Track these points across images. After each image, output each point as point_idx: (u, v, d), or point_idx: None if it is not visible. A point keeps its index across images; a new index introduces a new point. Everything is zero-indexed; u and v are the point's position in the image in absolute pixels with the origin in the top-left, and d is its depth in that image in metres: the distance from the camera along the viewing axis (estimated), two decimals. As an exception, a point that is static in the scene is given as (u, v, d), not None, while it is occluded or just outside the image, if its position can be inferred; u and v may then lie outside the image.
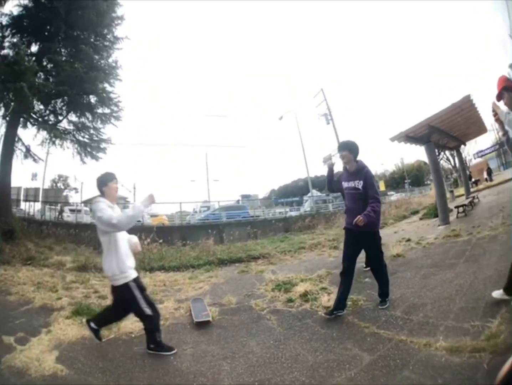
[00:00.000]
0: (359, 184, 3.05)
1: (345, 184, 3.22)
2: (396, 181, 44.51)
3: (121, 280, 2.63)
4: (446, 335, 2.31)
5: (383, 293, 3.26)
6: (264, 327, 3.17)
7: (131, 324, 3.42)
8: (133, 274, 2.72)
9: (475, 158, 28.41)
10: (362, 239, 3.12)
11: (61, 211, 15.34)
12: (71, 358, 2.70)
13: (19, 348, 2.81)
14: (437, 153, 10.05)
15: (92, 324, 2.92)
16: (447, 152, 24.93)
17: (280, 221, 16.57)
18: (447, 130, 9.99)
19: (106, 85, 11.34)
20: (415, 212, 13.32)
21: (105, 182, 2.79)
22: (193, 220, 18.27)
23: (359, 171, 3.11)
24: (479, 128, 11.34)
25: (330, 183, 3.50)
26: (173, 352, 2.79)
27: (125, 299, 2.70)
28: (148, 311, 2.69)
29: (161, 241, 9.28)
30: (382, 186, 37.43)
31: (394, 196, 26.00)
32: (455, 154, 20.21)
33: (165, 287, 5.42)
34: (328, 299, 3.57)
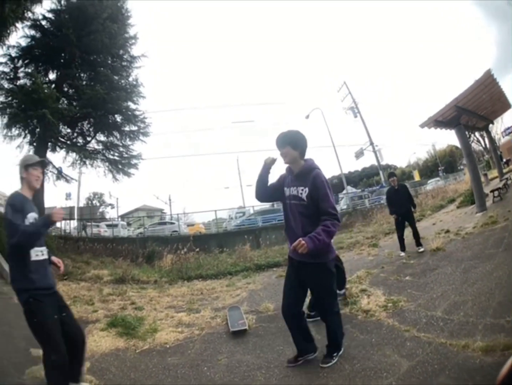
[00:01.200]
0: (303, 192, 2.21)
1: (287, 192, 2.36)
2: (430, 169, 42.16)
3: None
4: (483, 334, 2.20)
5: (330, 346, 2.39)
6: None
7: (166, 335, 3.46)
8: None
9: (503, 136, 26.73)
10: (305, 273, 2.28)
11: (84, 227, 16.01)
12: (103, 369, 2.73)
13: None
14: (467, 136, 9.59)
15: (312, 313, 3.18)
16: (476, 134, 23.50)
17: (316, 221, 16.35)
18: (474, 109, 9.61)
19: (129, 103, 11.73)
20: (452, 201, 12.77)
21: None
22: (230, 227, 18.46)
23: (304, 174, 2.26)
24: (504, 104, 10.97)
25: (259, 186, 2.44)
26: None
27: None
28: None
29: (197, 249, 9.49)
30: (417, 176, 35.48)
31: (429, 186, 24.68)
32: (484, 135, 19.08)
33: (202, 296, 5.44)
34: (368, 302, 3.39)
